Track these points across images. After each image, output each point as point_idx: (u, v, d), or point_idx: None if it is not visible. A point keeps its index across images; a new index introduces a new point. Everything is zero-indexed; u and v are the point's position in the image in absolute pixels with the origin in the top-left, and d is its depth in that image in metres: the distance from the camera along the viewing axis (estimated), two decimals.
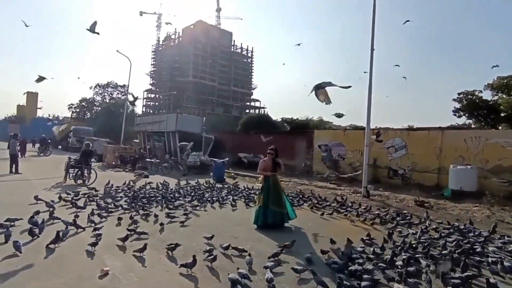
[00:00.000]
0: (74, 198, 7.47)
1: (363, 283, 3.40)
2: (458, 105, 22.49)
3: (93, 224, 5.48)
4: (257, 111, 75.91)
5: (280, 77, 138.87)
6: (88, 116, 45.88)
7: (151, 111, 69.88)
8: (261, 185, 6.25)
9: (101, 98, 49.55)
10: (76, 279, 3.51)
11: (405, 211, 7.62)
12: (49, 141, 26.88)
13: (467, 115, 22.74)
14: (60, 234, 4.57)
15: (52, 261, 3.99)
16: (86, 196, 7.83)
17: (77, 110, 48.26)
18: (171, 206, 7.20)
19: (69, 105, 48.78)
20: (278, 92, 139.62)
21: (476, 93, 21.74)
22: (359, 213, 7.20)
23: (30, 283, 3.37)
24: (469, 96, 21.78)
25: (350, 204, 8.29)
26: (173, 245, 4.41)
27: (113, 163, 17.55)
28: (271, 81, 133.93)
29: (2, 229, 4.81)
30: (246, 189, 10.04)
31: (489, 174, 10.30)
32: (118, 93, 49.95)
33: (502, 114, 20.77)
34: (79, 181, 10.59)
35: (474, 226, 6.26)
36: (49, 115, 73.41)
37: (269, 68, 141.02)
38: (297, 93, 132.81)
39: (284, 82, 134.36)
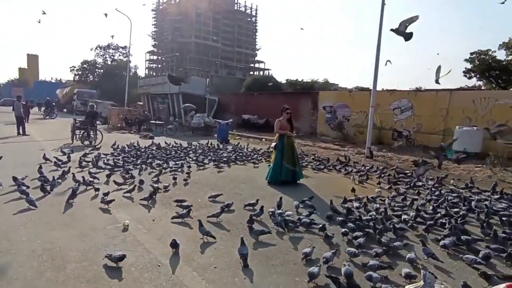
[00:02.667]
0: (82, 157, 7.65)
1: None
2: (469, 66, 21.69)
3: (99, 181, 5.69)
4: (261, 73, 74.21)
5: (286, 37, 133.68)
6: (91, 79, 45.27)
7: (154, 73, 68.66)
8: (275, 143, 6.35)
9: (102, 60, 48.55)
10: (90, 230, 3.72)
11: (407, 171, 7.73)
12: (54, 104, 26.93)
13: (478, 76, 22.00)
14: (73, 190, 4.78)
15: (65, 215, 4.20)
16: (93, 156, 8.01)
17: (79, 72, 47.48)
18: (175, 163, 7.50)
19: (71, 67, 47.94)
20: (283, 53, 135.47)
21: (490, 52, 20.83)
22: (362, 173, 7.32)
23: (49, 233, 3.59)
24: (482, 56, 20.90)
25: (353, 164, 8.41)
26: (181, 200, 4.68)
27: (118, 125, 17.69)
28: (276, 42, 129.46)
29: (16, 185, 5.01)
30: (249, 150, 10.14)
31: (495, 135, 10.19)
32: (120, 55, 48.82)
33: None
34: (86, 142, 10.77)
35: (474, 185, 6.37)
36: (51, 78, 72.74)
37: (274, 28, 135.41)
38: (303, 54, 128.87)
39: (289, 42, 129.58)
